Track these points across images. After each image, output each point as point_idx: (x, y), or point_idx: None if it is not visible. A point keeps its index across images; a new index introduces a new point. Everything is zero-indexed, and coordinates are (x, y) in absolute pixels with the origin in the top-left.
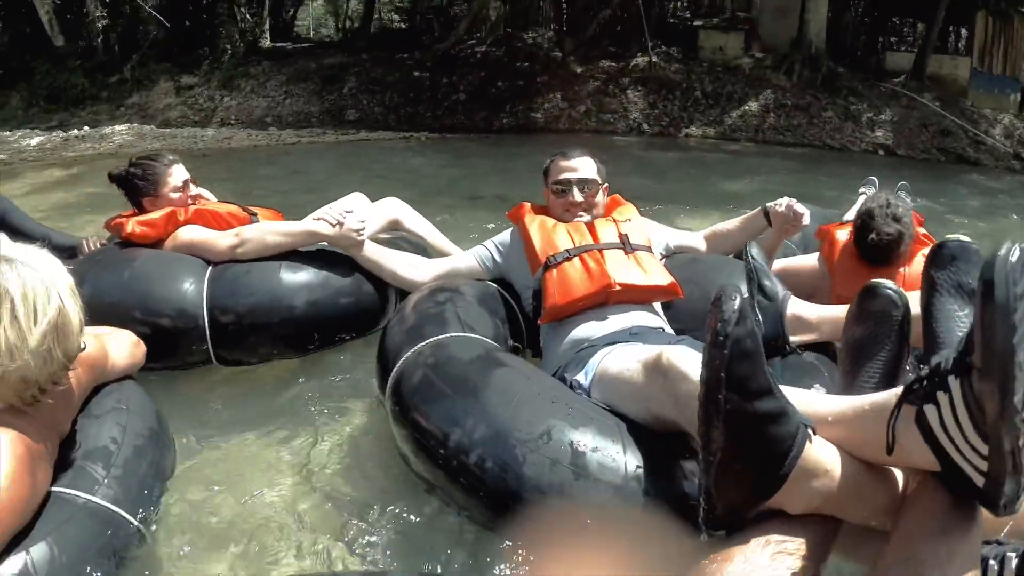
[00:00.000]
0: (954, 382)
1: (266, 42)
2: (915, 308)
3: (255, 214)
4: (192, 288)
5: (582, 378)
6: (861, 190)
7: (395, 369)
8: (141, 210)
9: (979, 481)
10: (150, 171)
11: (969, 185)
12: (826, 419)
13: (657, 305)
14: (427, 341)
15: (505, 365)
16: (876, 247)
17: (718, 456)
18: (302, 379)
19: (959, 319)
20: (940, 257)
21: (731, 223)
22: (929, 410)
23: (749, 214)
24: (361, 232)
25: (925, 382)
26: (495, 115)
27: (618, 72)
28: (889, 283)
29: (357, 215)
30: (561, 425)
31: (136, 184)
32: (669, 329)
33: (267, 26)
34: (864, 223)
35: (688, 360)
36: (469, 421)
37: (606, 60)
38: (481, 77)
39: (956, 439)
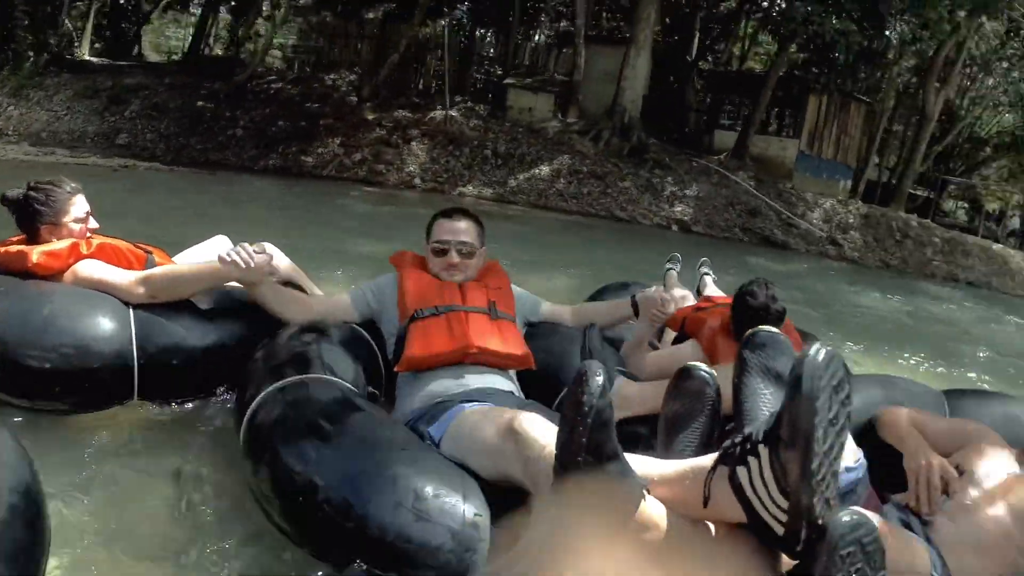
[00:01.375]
0: (763, 450)
1: (81, 54)
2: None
3: (151, 252)
4: (118, 329)
5: (434, 430)
6: (667, 265)
7: (252, 406)
8: (35, 238)
9: (779, 531)
10: (52, 197)
11: (777, 265)
12: (654, 479)
13: (512, 371)
14: (286, 380)
15: (360, 410)
16: (755, 320)
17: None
18: (169, 422)
19: (764, 396)
20: (752, 343)
21: (599, 305)
22: (741, 471)
23: (620, 300)
24: (267, 272)
25: (738, 448)
26: (265, 154)
27: (411, 123)
28: (703, 366)
29: (265, 256)
30: (407, 471)
31: (36, 209)
32: (519, 394)
33: (86, 37)
34: (742, 302)
35: (539, 427)
36: (319, 461)
37: (404, 110)
38: (265, 114)
39: (762, 496)
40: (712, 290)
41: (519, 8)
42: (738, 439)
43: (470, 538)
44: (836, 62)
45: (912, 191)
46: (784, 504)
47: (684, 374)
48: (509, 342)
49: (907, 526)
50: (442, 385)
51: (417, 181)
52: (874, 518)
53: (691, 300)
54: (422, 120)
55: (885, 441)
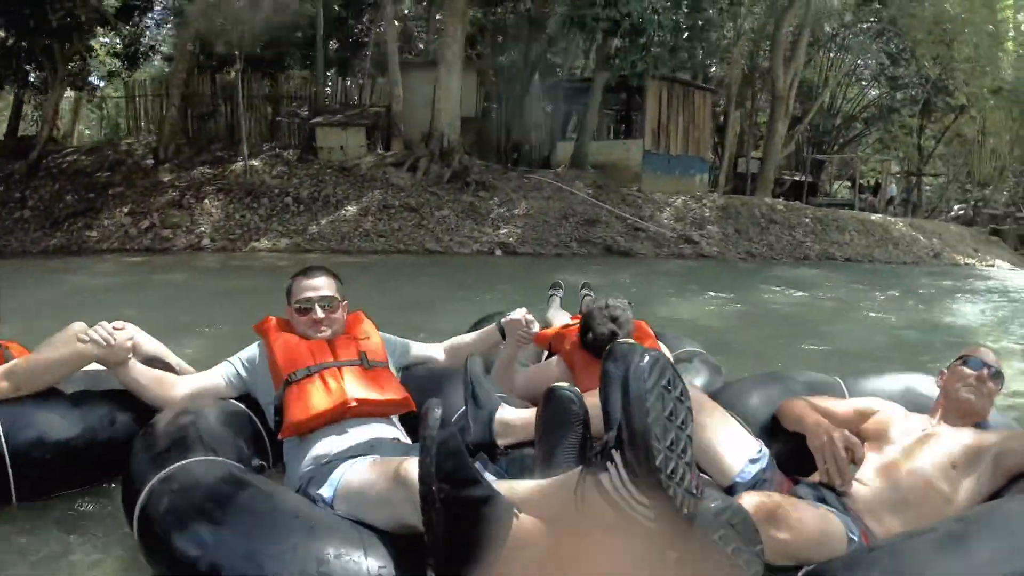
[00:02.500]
0: (616, 454)
1: None
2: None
3: (6, 347)
4: None
5: (325, 492)
6: (550, 292)
7: (140, 499)
8: None
9: (651, 525)
10: None
11: (620, 272)
12: (529, 499)
13: (395, 416)
14: (171, 468)
15: (249, 486)
16: (595, 345)
17: (441, 538)
18: (54, 523)
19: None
20: (612, 356)
21: (468, 336)
22: (604, 477)
23: (488, 328)
24: (129, 349)
25: (599, 455)
26: (50, 234)
27: (209, 179)
28: (564, 385)
29: (126, 332)
30: (305, 539)
31: None
32: (406, 439)
33: None
34: (585, 323)
35: None
36: (217, 546)
37: (205, 166)
38: (55, 190)
39: (626, 496)
40: (555, 309)
41: (322, 47)
42: (597, 447)
43: None
44: (649, 46)
45: (790, 176)
46: (646, 500)
47: (549, 397)
48: (386, 389)
49: (822, 500)
50: (327, 445)
51: (206, 242)
52: (778, 496)
53: (566, 320)
54: (221, 175)
55: (790, 430)
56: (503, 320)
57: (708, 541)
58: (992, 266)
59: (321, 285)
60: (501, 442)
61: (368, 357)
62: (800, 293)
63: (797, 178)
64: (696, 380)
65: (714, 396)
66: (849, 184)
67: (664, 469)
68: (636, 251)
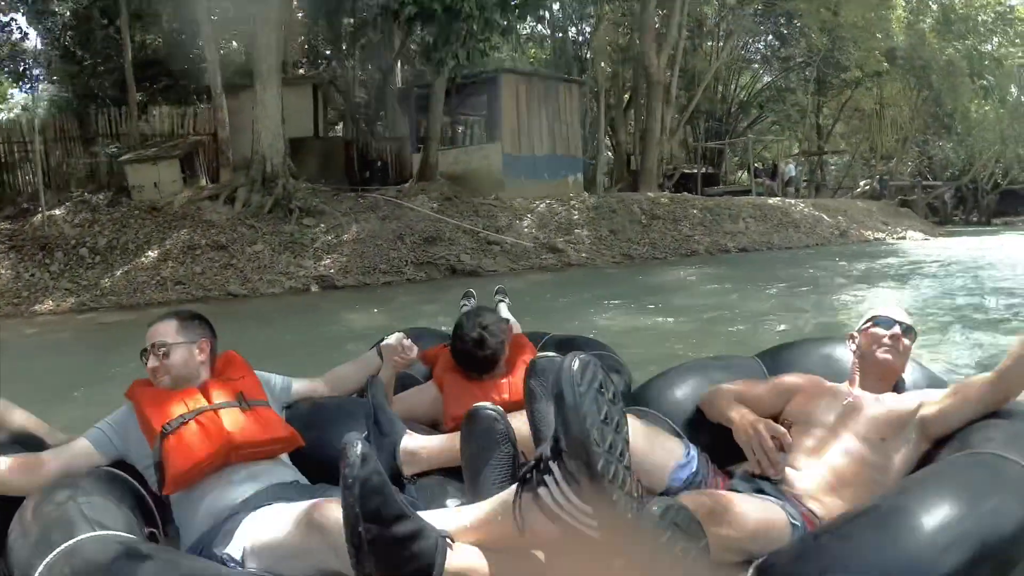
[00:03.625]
0: (554, 466)
1: None
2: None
3: None
4: None
5: (233, 550)
6: (462, 302)
7: None
8: None
9: (595, 535)
10: None
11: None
12: (464, 526)
13: (285, 456)
14: (57, 551)
15: (149, 557)
16: (466, 355)
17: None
18: None
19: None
20: (534, 371)
21: (348, 365)
22: (543, 492)
23: (365, 353)
24: None
25: (534, 471)
26: None
27: (3, 237)
28: (487, 404)
29: None
30: None
31: None
32: (303, 479)
33: None
34: (454, 332)
35: (336, 511)
36: None
37: (5, 222)
38: None
39: (568, 509)
40: (505, 315)
41: (131, 73)
42: (532, 463)
43: None
44: (469, 34)
45: (689, 168)
46: (589, 509)
47: (470, 417)
48: (270, 427)
49: (759, 491)
50: (220, 498)
51: None
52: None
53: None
54: (20, 230)
55: (715, 422)
56: (382, 344)
57: (655, 544)
58: (903, 238)
59: (157, 332)
60: (407, 471)
61: (245, 396)
62: (677, 294)
63: (689, 170)
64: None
65: (634, 397)
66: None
67: (607, 475)
68: (486, 268)
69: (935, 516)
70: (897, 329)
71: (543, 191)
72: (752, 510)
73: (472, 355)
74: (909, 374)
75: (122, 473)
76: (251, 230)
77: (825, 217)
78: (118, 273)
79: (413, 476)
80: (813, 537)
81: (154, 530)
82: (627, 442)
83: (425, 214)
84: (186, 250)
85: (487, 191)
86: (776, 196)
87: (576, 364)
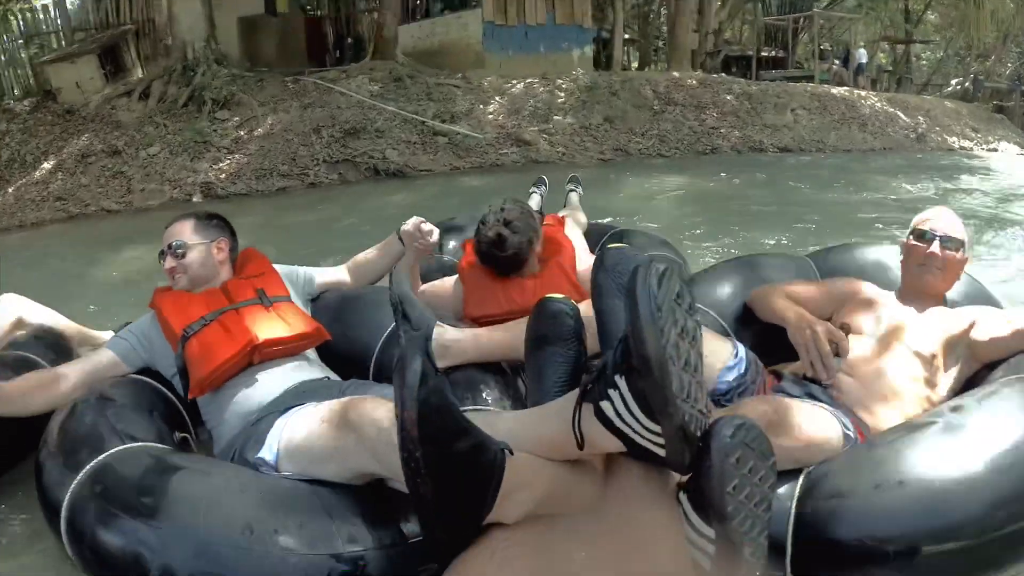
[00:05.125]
0: (620, 380)
1: None
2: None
3: None
4: None
5: (266, 454)
6: (532, 190)
7: (64, 510)
8: None
9: (661, 452)
10: None
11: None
12: (523, 433)
13: (312, 352)
14: (88, 468)
15: (181, 468)
16: (486, 255)
17: (430, 499)
18: None
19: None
20: (602, 264)
21: (371, 251)
22: (606, 406)
23: (387, 239)
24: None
25: (597, 383)
26: None
27: None
28: (558, 296)
29: None
30: (259, 514)
31: None
32: (333, 375)
33: None
34: (477, 229)
35: (374, 409)
36: (163, 544)
37: None
38: None
39: (633, 425)
40: (573, 207)
41: None
42: (594, 374)
43: (353, 556)
44: None
45: (740, 49)
46: (658, 428)
47: (539, 308)
48: (293, 323)
49: (810, 396)
50: (247, 399)
51: None
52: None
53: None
54: None
55: (766, 320)
56: (401, 228)
57: (725, 466)
58: (994, 150)
59: (173, 232)
60: (440, 364)
61: (267, 293)
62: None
63: (740, 51)
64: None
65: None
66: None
67: (680, 394)
68: (418, 167)
69: (990, 437)
70: (937, 245)
71: (537, 68)
72: (809, 419)
73: (490, 255)
74: (959, 288)
75: (150, 380)
76: (156, 129)
77: (901, 116)
78: (10, 191)
79: (445, 369)
80: (867, 448)
81: (187, 435)
82: (701, 355)
83: (357, 100)
84: (80, 159)
85: (465, 68)
86: (846, 85)
87: (653, 272)
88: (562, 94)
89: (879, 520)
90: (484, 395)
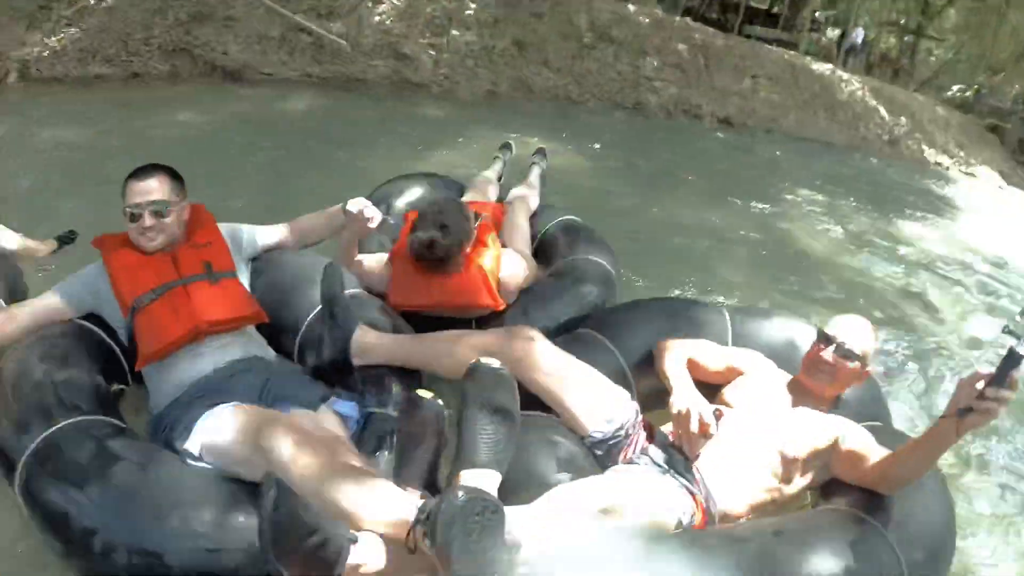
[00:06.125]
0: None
1: None
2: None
3: None
4: None
5: (191, 447)
6: (496, 154)
7: (17, 479)
8: None
9: None
10: None
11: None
12: (375, 519)
13: (251, 327)
14: (37, 441)
15: (120, 458)
16: (417, 254)
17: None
18: None
19: (485, 432)
20: (474, 377)
21: (315, 216)
22: (426, 544)
23: (332, 208)
24: None
25: (425, 518)
26: None
27: None
28: (428, 397)
29: None
30: (184, 509)
31: None
32: (266, 351)
33: None
34: (413, 224)
35: (282, 437)
36: (105, 525)
37: None
38: None
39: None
40: (531, 184)
41: None
42: (426, 510)
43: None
44: None
45: None
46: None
47: (412, 404)
48: (235, 304)
49: (670, 465)
50: (186, 372)
51: None
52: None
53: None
54: None
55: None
56: (346, 206)
57: None
58: (972, 175)
59: (152, 188)
60: (356, 363)
61: (213, 267)
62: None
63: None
64: (585, 286)
65: (597, 321)
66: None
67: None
68: (262, 69)
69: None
70: (831, 352)
71: None
72: (645, 511)
73: (421, 255)
74: (854, 391)
75: (93, 327)
76: None
77: (882, 111)
78: None
79: (361, 366)
80: (681, 545)
81: (123, 387)
82: (502, 523)
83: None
84: None
85: None
86: (832, 64)
87: (455, 504)
88: (474, 4)
89: None
90: (386, 396)
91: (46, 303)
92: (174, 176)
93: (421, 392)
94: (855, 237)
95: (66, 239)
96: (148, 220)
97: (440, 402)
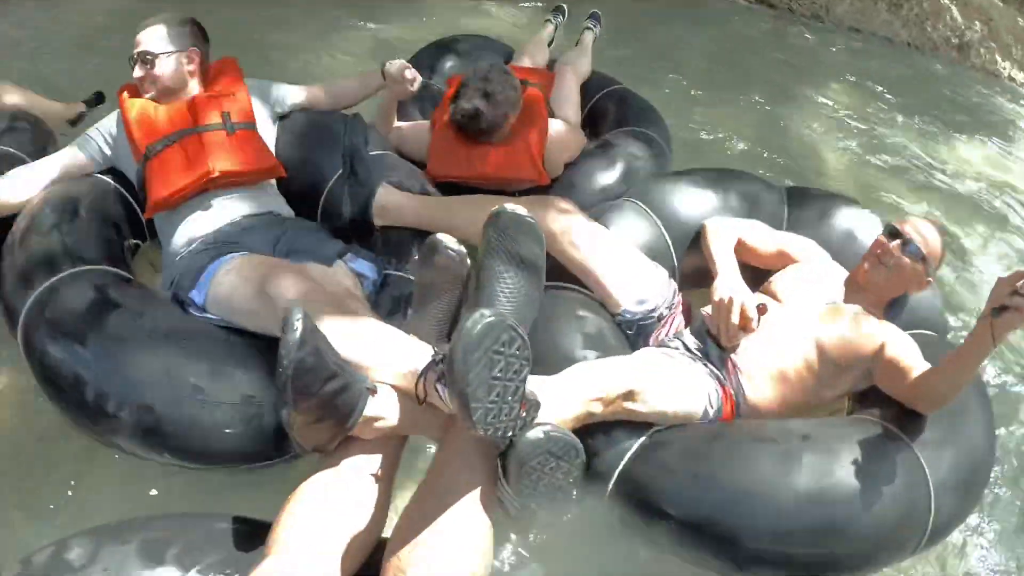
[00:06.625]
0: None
1: None
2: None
3: None
4: None
5: (196, 296)
6: (547, 18)
7: (19, 328)
8: None
9: (479, 433)
10: None
11: None
12: (391, 370)
13: (270, 182)
14: (39, 290)
15: (118, 305)
16: (456, 121)
17: (299, 422)
18: None
19: (505, 281)
20: (496, 223)
21: (351, 79)
22: (440, 387)
23: (369, 71)
24: None
25: (438, 366)
26: None
27: None
28: (451, 242)
29: None
30: (178, 361)
31: None
32: (283, 208)
33: None
34: (456, 92)
35: (290, 288)
36: (98, 374)
37: None
38: None
39: (452, 409)
40: (582, 50)
41: None
42: (439, 356)
43: (252, 404)
44: None
45: None
46: (466, 424)
47: (430, 247)
48: (252, 157)
49: (703, 354)
50: (194, 223)
51: None
52: (654, 352)
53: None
54: None
55: (704, 254)
56: (386, 67)
57: (524, 470)
58: None
59: (143, 39)
60: (378, 222)
61: (232, 118)
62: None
63: None
64: (636, 160)
65: (643, 190)
66: None
67: (483, 420)
68: None
69: (813, 478)
70: (898, 245)
71: None
72: (670, 398)
73: (463, 125)
74: (913, 300)
75: (111, 181)
76: None
77: (954, 10)
78: None
79: (382, 227)
80: (708, 438)
81: (139, 242)
82: (518, 390)
83: None
84: None
85: None
86: None
87: (478, 328)
88: None
89: (683, 505)
90: (405, 260)
91: (65, 155)
92: (173, 24)
93: (441, 236)
94: (898, 150)
95: (94, 102)
96: (138, 70)
97: (464, 248)
